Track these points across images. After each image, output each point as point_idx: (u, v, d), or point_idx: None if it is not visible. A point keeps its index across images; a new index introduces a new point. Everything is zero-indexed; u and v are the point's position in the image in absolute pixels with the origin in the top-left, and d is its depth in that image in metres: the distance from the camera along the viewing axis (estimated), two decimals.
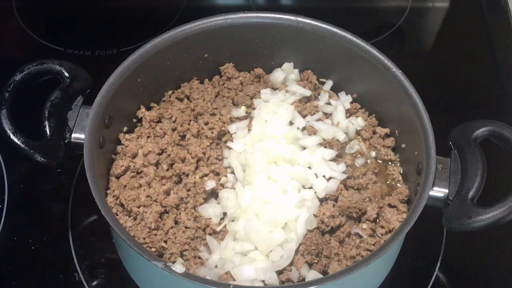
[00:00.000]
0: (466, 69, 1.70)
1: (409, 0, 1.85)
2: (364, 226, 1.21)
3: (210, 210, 1.21)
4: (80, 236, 1.35)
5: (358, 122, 1.37)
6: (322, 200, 1.23)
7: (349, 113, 1.39)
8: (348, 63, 1.34)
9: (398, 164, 1.32)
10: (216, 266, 1.15)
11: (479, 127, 1.18)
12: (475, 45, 1.76)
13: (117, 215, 1.20)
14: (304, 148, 1.29)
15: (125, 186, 1.24)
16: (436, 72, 1.70)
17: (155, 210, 1.19)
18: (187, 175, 1.25)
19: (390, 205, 1.24)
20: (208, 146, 1.28)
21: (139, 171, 1.26)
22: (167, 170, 1.26)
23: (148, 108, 1.36)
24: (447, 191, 1.14)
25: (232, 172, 1.27)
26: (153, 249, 1.16)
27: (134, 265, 1.25)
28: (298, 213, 1.17)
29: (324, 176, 1.23)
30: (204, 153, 1.27)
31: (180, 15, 1.80)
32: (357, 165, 1.32)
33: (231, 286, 1.02)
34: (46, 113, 1.19)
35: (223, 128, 1.31)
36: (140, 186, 1.23)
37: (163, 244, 1.17)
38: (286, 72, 1.41)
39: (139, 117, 1.34)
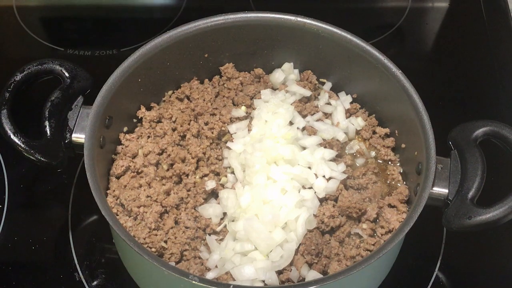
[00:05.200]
0: (466, 69, 1.70)
1: (409, 0, 1.85)
2: (364, 226, 1.21)
3: (210, 210, 1.22)
4: (80, 236, 1.35)
5: (358, 122, 1.37)
6: (322, 200, 1.23)
7: (349, 113, 1.39)
8: (348, 63, 1.34)
9: (398, 164, 1.32)
10: (216, 266, 1.16)
11: (479, 127, 1.18)
12: (475, 45, 1.76)
13: (117, 215, 1.20)
14: (304, 148, 1.29)
15: (125, 186, 1.24)
16: (436, 72, 1.70)
17: (155, 210, 1.19)
18: (187, 175, 1.25)
19: (390, 205, 1.24)
20: (208, 146, 1.28)
21: (139, 171, 1.26)
22: (167, 170, 1.26)
23: (148, 108, 1.36)
24: (447, 191, 1.14)
25: (232, 172, 1.27)
26: (153, 249, 1.16)
27: (134, 265, 1.25)
28: (298, 213, 1.17)
29: (324, 176, 1.23)
30: (204, 153, 1.27)
31: (180, 15, 1.80)
32: (357, 165, 1.32)
33: (231, 286, 1.02)
34: (46, 113, 1.19)
35: (223, 128, 1.31)
36: (140, 186, 1.23)
37: (163, 244, 1.17)
38: (286, 72, 1.41)
39: (139, 117, 1.34)
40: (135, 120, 1.35)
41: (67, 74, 1.25)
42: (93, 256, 1.32)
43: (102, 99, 1.21)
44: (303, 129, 1.34)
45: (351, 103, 1.40)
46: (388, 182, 1.30)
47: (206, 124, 1.31)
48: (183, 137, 1.31)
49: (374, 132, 1.36)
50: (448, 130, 1.21)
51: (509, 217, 1.09)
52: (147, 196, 1.21)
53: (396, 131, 1.34)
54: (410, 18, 1.82)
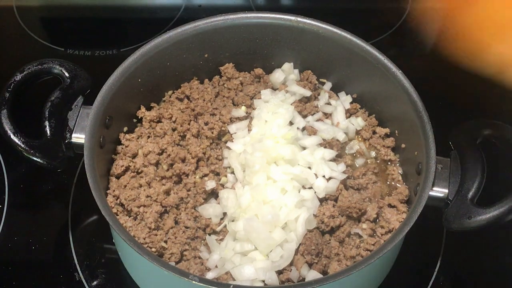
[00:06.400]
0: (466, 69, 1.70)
1: (409, 0, 1.85)
2: (364, 226, 1.21)
3: (210, 210, 1.22)
4: (80, 236, 1.35)
5: (358, 122, 1.37)
6: (322, 200, 1.23)
7: (349, 113, 1.39)
8: (348, 63, 1.34)
9: (398, 164, 1.32)
10: (216, 266, 1.16)
11: (479, 127, 1.18)
12: None
13: (117, 215, 1.20)
14: (304, 148, 1.29)
15: (125, 186, 1.24)
16: (436, 72, 1.70)
17: (155, 210, 1.19)
18: (187, 175, 1.25)
19: (390, 205, 1.24)
20: (208, 146, 1.28)
21: (139, 171, 1.26)
22: (167, 170, 1.26)
23: (148, 108, 1.36)
24: (447, 191, 1.14)
25: (232, 172, 1.27)
26: (153, 249, 1.16)
27: (134, 265, 1.25)
28: (298, 213, 1.17)
29: (324, 176, 1.23)
30: (204, 153, 1.27)
31: (180, 15, 1.80)
32: (357, 165, 1.32)
33: (231, 286, 1.02)
34: (47, 113, 1.19)
35: (223, 128, 1.31)
36: (140, 186, 1.23)
37: (163, 244, 1.17)
38: (286, 72, 1.41)
39: (139, 117, 1.34)
40: (135, 120, 1.35)
41: (67, 74, 1.25)
42: (93, 256, 1.32)
43: (102, 99, 1.21)
44: (303, 129, 1.34)
45: (351, 103, 1.40)
46: (388, 182, 1.30)
47: (206, 124, 1.31)
48: (183, 137, 1.31)
49: (374, 132, 1.36)
50: (448, 130, 1.22)
51: (509, 217, 1.09)
52: (147, 196, 1.21)
53: (396, 131, 1.34)
54: (410, 18, 1.82)
